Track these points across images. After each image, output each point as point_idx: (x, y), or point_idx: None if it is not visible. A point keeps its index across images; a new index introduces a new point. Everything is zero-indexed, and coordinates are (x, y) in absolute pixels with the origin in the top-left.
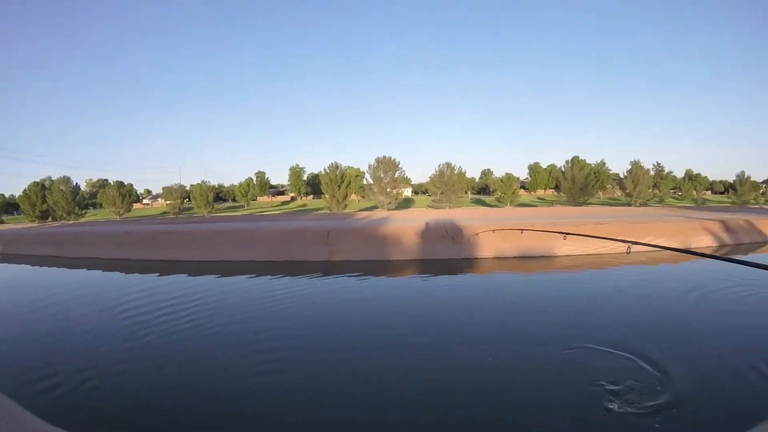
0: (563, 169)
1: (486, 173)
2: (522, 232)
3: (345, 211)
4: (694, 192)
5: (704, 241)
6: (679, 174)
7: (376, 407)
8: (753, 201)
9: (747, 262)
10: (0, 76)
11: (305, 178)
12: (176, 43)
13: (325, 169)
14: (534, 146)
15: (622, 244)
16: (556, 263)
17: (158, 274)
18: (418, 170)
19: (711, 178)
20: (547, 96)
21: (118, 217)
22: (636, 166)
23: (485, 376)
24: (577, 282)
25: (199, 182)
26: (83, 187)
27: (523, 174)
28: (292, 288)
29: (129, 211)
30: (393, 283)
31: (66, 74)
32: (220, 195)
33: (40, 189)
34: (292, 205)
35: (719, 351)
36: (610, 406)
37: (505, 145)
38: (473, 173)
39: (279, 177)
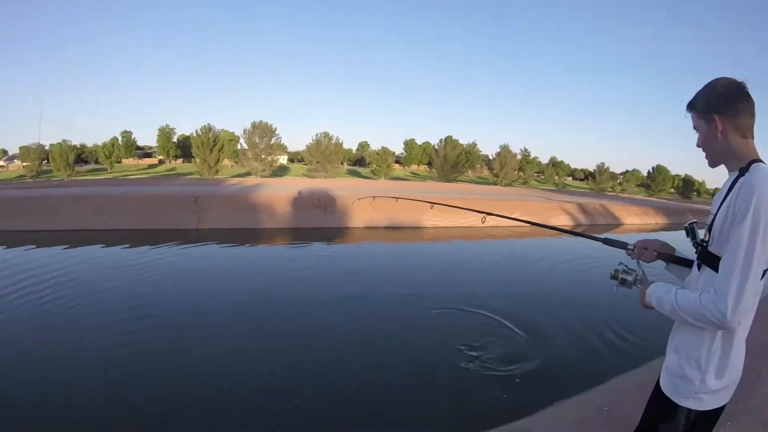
0: (437, 147)
1: (363, 146)
2: (396, 200)
3: (216, 176)
4: (557, 177)
5: (562, 220)
6: (544, 160)
7: (244, 376)
8: (610, 189)
9: (592, 236)
10: None
11: (175, 140)
12: None
13: (196, 131)
14: (410, 123)
15: (479, 215)
16: (423, 233)
17: (5, 246)
18: (295, 138)
19: (573, 166)
20: (426, 77)
21: None
22: (504, 149)
23: (355, 342)
24: (440, 250)
25: (59, 142)
26: None
27: (398, 149)
28: (154, 258)
29: None
30: (263, 251)
31: None
32: (81, 156)
33: None
34: (160, 168)
35: (566, 313)
36: (469, 362)
37: (383, 119)
38: (350, 145)
39: (147, 138)
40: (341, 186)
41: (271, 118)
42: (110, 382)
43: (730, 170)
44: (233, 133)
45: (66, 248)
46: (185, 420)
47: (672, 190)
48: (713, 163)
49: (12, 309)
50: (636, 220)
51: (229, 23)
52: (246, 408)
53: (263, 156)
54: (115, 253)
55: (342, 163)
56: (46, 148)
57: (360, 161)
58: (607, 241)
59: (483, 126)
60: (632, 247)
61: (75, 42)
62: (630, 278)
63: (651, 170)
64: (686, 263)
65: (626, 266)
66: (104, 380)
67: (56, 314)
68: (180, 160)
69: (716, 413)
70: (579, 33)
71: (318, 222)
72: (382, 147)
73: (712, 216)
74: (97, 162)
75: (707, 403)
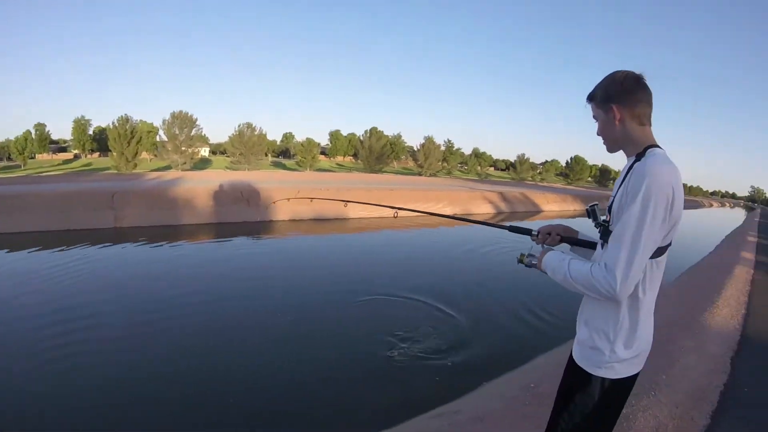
0: (362, 138)
1: (287, 137)
2: (311, 201)
3: (134, 171)
4: (479, 167)
5: (484, 208)
6: (467, 151)
7: (173, 379)
8: (530, 178)
9: (498, 225)
10: None
11: (91, 132)
12: None
13: (113, 123)
14: (335, 114)
15: (392, 210)
16: (348, 225)
17: None
18: (218, 129)
19: (495, 157)
20: (350, 69)
21: None
22: (428, 140)
23: (285, 337)
24: (364, 240)
25: None
26: None
27: (323, 140)
28: (69, 262)
29: None
30: (185, 249)
31: None
32: None
33: None
34: (76, 164)
35: (488, 296)
36: (399, 349)
37: (308, 110)
38: (274, 136)
39: (61, 130)
40: (265, 179)
41: (191, 109)
42: (35, 393)
43: (628, 155)
44: (152, 124)
45: None
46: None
47: (589, 178)
48: (611, 149)
49: None
50: (555, 207)
51: (146, 10)
52: (178, 412)
53: (183, 148)
54: (26, 258)
55: (266, 155)
56: None
57: (285, 153)
58: (513, 229)
59: (408, 118)
60: (536, 233)
61: None
62: (536, 262)
63: (569, 160)
64: (589, 245)
65: (531, 251)
66: (28, 391)
67: None
68: (96, 154)
69: (630, 381)
70: (497, 28)
71: (241, 216)
72: (307, 138)
73: (612, 198)
74: (9, 158)
75: (619, 372)
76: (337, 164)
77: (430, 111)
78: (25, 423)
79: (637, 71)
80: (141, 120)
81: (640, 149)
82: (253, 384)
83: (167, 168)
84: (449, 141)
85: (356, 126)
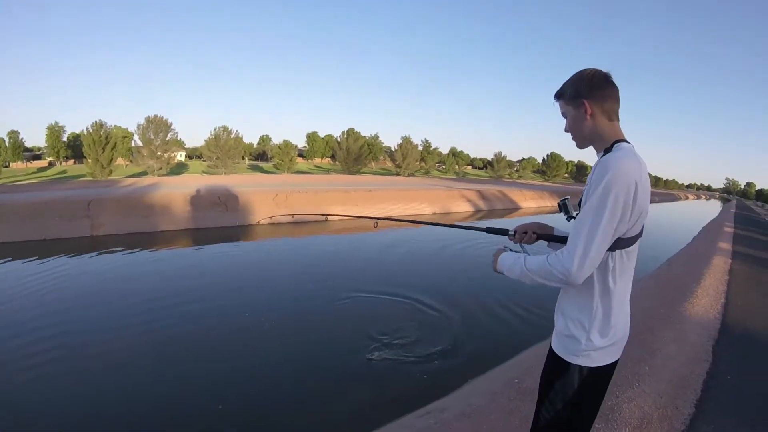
0: (339, 139)
1: (264, 139)
2: (293, 217)
3: (110, 177)
4: (457, 166)
5: (462, 207)
6: (445, 150)
7: (158, 388)
8: (507, 176)
9: (475, 227)
10: None
11: (65, 139)
12: None
13: (87, 129)
14: (313, 116)
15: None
16: (328, 226)
17: None
18: (193, 133)
19: (472, 155)
20: (328, 69)
21: None
22: (406, 140)
23: (268, 343)
24: (344, 242)
25: None
26: None
27: (301, 142)
28: (45, 273)
29: None
30: (163, 256)
31: None
32: None
33: None
34: (51, 171)
35: (471, 293)
36: (384, 349)
37: (284, 112)
38: (251, 138)
39: (35, 138)
40: (242, 182)
41: (166, 113)
42: (14, 409)
43: (597, 151)
44: (127, 129)
45: None
46: None
47: (566, 175)
48: (581, 145)
49: None
50: (532, 204)
51: (118, 11)
52: (167, 419)
53: (159, 153)
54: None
55: (243, 159)
56: None
57: (262, 156)
58: (490, 230)
59: (385, 118)
60: (513, 233)
61: None
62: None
63: (546, 157)
64: (565, 240)
65: (510, 250)
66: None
67: None
68: (71, 161)
69: (608, 369)
70: (472, 28)
71: (220, 221)
72: (284, 140)
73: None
74: None
75: (596, 360)
76: (315, 166)
77: (407, 111)
78: None
79: (604, 69)
80: (115, 125)
81: (608, 145)
82: (235, 389)
83: (143, 174)
84: (426, 141)
85: (333, 127)
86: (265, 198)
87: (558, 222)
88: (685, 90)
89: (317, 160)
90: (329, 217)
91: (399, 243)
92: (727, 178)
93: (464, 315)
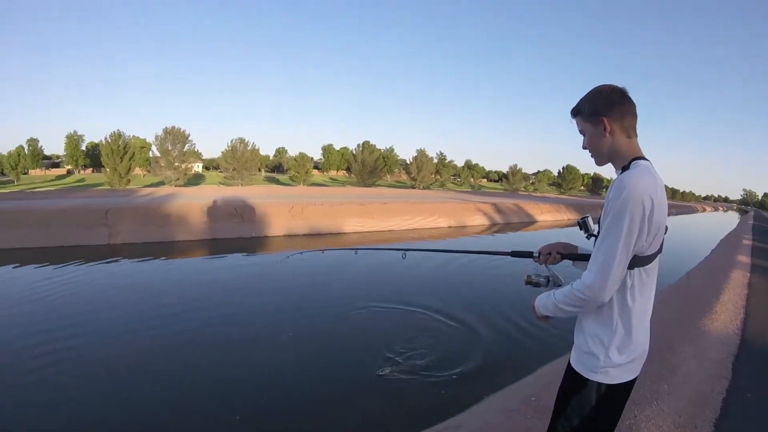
0: (354, 152)
1: (280, 151)
2: (324, 252)
3: (128, 187)
4: (472, 179)
5: (478, 220)
6: (460, 163)
7: (177, 396)
8: (523, 189)
9: (500, 252)
10: None
11: (84, 147)
12: None
13: (106, 138)
14: (328, 128)
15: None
16: (344, 239)
17: None
18: (210, 144)
19: (487, 168)
20: (344, 82)
21: None
22: (421, 153)
23: (285, 354)
24: (359, 254)
25: None
26: None
27: (316, 155)
28: (62, 279)
29: None
30: (179, 266)
31: None
32: None
33: None
34: (69, 179)
35: (488, 307)
36: (400, 362)
37: (300, 124)
38: (267, 151)
39: (54, 146)
40: (259, 194)
41: (184, 124)
42: (20, 411)
43: (616, 168)
44: (145, 140)
45: None
46: None
47: (582, 187)
48: (600, 162)
49: None
50: (549, 217)
51: (139, 23)
52: (178, 426)
53: (177, 164)
54: (16, 274)
55: (259, 170)
56: None
57: (278, 168)
58: (515, 254)
59: (400, 131)
60: (537, 254)
61: None
62: (543, 280)
63: (561, 170)
64: (589, 258)
65: (537, 272)
66: (12, 409)
67: None
68: (89, 170)
69: (626, 386)
70: (488, 42)
71: (236, 232)
72: (300, 153)
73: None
74: (2, 173)
75: (614, 377)
76: (331, 178)
77: (423, 124)
78: None
79: (619, 85)
80: (134, 136)
81: (626, 162)
82: (248, 398)
83: (161, 184)
84: (442, 153)
85: (349, 140)
86: (281, 210)
87: (576, 236)
88: (701, 98)
89: (332, 173)
90: (345, 230)
91: (415, 256)
92: (744, 189)
93: (479, 329)
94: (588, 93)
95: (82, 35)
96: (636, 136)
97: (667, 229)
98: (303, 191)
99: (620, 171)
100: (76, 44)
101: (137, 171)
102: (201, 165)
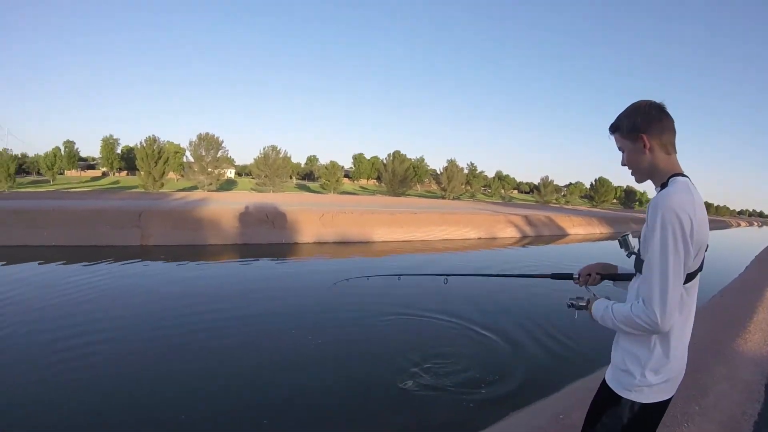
0: (385, 161)
1: (311, 159)
2: (368, 279)
3: (161, 190)
4: (503, 190)
5: (508, 232)
6: (490, 174)
7: (203, 397)
8: (554, 201)
9: (540, 275)
10: None
11: (119, 151)
12: None
13: (141, 143)
14: (359, 137)
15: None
16: (373, 248)
17: None
18: (243, 151)
19: (518, 180)
20: (375, 91)
21: None
22: (451, 163)
23: (311, 361)
24: (388, 262)
25: (0, 150)
26: None
27: (347, 163)
28: (93, 277)
29: None
30: (209, 269)
31: None
32: (23, 167)
33: None
34: (104, 181)
35: (518, 321)
36: (427, 374)
37: (332, 133)
38: (299, 158)
39: (90, 148)
40: (290, 201)
41: (217, 130)
42: (47, 402)
43: (655, 185)
44: (179, 145)
45: (4, 265)
46: None
47: (614, 200)
48: (640, 179)
49: None
50: (580, 230)
51: (177, 32)
52: (200, 426)
53: (210, 169)
54: (52, 271)
55: (290, 178)
56: None
57: (309, 175)
58: (555, 276)
59: (430, 141)
60: (577, 276)
61: (15, 44)
62: (584, 303)
63: (594, 182)
64: (629, 277)
65: (578, 294)
66: (40, 400)
67: None
68: (124, 173)
69: (660, 406)
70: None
71: (266, 238)
72: (331, 161)
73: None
74: (38, 173)
75: (649, 396)
76: (361, 187)
77: (453, 134)
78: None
79: (657, 100)
80: (168, 141)
81: (665, 179)
82: (272, 406)
83: (193, 188)
84: (472, 164)
85: (379, 149)
86: (312, 217)
87: (612, 251)
88: (733, 106)
89: (363, 181)
90: (374, 239)
91: (447, 267)
92: None
93: (507, 342)
94: (626, 109)
95: (123, 44)
96: (675, 152)
97: (707, 246)
98: (333, 199)
99: (659, 188)
100: (117, 52)
101: (171, 175)
102: (233, 171)
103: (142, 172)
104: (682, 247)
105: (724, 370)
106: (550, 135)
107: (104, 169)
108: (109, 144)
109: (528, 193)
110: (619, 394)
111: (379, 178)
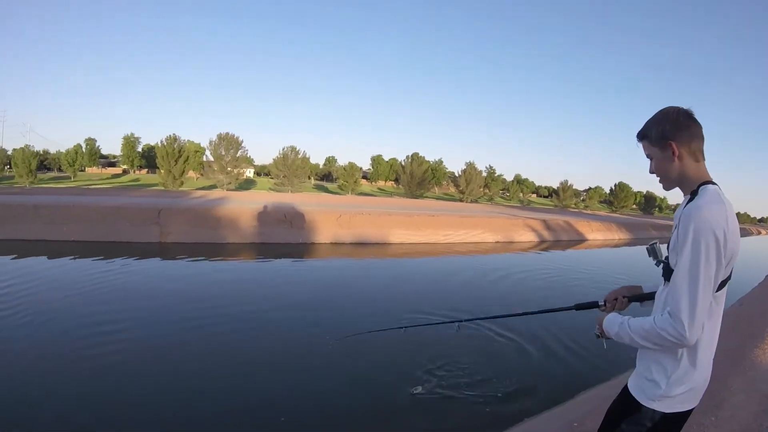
0: (403, 163)
1: (330, 160)
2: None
3: (181, 189)
4: (521, 194)
5: (526, 236)
6: (509, 177)
7: (220, 395)
8: (573, 206)
9: (563, 308)
10: None
11: (140, 149)
12: None
13: (161, 141)
14: (377, 139)
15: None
16: (390, 250)
17: None
18: (262, 151)
19: (537, 183)
20: (394, 93)
21: None
22: (470, 166)
23: (329, 361)
24: (406, 265)
25: (22, 146)
26: None
27: (365, 164)
28: (113, 272)
29: None
30: (227, 267)
31: None
32: (44, 163)
33: None
34: (124, 178)
35: (533, 328)
36: (441, 380)
37: (350, 134)
38: (317, 159)
39: (111, 146)
40: (308, 201)
41: (237, 130)
42: (61, 395)
43: (684, 193)
44: (199, 144)
45: (19, 258)
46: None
47: (634, 206)
48: (668, 187)
49: None
50: (599, 236)
51: (198, 32)
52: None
53: (229, 169)
54: (71, 265)
55: (309, 178)
56: (8, 153)
57: (327, 176)
58: (579, 306)
59: (449, 143)
60: (603, 303)
61: (40, 43)
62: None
63: (613, 187)
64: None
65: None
66: (54, 392)
67: (16, 327)
68: (144, 171)
69: (682, 416)
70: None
71: (284, 238)
72: (349, 162)
73: (672, 233)
74: (60, 169)
75: (671, 406)
76: (379, 188)
77: (472, 137)
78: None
79: (684, 107)
80: (188, 140)
81: (695, 186)
82: (303, 404)
83: (213, 187)
84: (491, 167)
85: (398, 151)
86: (329, 218)
87: (627, 255)
88: (756, 110)
89: (381, 183)
90: (391, 241)
91: (460, 270)
92: None
93: (523, 350)
94: (654, 116)
95: (139, 38)
96: (704, 159)
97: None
98: (351, 200)
99: (688, 196)
100: (141, 52)
101: (191, 174)
102: (252, 171)
103: (162, 171)
104: (714, 260)
105: (740, 381)
106: (569, 139)
107: (125, 166)
108: (130, 142)
109: (547, 197)
110: (642, 402)
111: (397, 180)
